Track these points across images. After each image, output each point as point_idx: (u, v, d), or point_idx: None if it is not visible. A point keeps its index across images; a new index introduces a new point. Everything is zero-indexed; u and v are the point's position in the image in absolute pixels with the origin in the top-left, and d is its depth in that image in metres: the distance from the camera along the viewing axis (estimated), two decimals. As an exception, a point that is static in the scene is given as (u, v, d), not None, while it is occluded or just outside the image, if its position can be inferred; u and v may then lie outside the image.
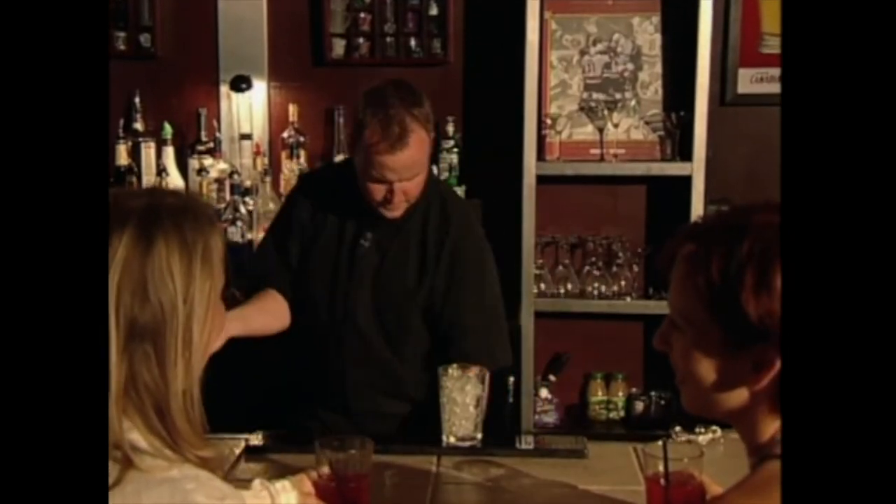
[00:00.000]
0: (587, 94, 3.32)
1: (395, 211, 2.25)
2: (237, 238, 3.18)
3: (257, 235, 3.13)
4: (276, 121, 3.53)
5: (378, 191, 2.21)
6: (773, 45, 3.32)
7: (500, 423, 2.95)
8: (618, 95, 3.30)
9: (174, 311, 1.15)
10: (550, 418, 3.40)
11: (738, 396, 1.15)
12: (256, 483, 1.58)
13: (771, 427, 1.14)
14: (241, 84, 3.43)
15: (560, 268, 3.37)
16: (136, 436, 1.14)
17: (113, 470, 1.11)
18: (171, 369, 1.16)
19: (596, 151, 3.29)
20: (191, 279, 1.17)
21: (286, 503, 1.58)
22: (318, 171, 3.12)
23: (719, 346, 1.14)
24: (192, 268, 1.17)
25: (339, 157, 3.42)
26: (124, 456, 1.12)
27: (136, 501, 1.10)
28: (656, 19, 3.28)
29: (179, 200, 1.22)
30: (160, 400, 1.15)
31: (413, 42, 3.43)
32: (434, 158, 3.41)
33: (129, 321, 1.13)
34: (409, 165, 2.18)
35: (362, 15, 3.44)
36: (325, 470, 1.62)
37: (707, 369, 1.16)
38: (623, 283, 3.31)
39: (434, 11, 3.42)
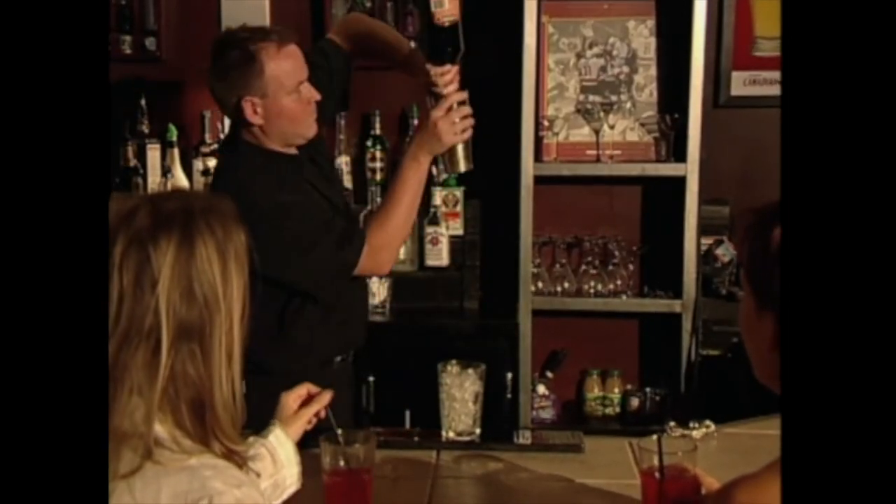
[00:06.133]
0: (583, 97, 3.35)
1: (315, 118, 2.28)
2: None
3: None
4: (278, 122, 3.55)
5: (305, 101, 2.23)
6: (765, 49, 3.35)
7: (499, 418, 3.00)
8: (613, 98, 3.33)
9: (217, 308, 1.20)
10: (547, 414, 3.43)
11: None
12: (251, 440, 1.57)
13: None
14: (243, 86, 3.46)
15: (557, 267, 3.39)
16: (160, 429, 1.18)
17: (133, 460, 1.15)
18: (216, 362, 1.20)
19: (592, 152, 3.32)
20: (227, 276, 1.22)
21: (285, 457, 1.59)
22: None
23: None
24: (227, 266, 1.22)
25: (339, 159, 3.46)
26: (145, 447, 1.16)
27: (155, 487, 1.15)
28: (651, 23, 3.32)
29: (206, 202, 1.26)
30: (203, 392, 1.19)
31: (413, 45, 3.45)
32: (433, 159, 3.44)
33: (178, 321, 1.17)
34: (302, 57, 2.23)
35: (363, 18, 3.47)
36: (329, 464, 1.62)
37: None
38: (619, 281, 3.34)
39: (434, 14, 3.45)
